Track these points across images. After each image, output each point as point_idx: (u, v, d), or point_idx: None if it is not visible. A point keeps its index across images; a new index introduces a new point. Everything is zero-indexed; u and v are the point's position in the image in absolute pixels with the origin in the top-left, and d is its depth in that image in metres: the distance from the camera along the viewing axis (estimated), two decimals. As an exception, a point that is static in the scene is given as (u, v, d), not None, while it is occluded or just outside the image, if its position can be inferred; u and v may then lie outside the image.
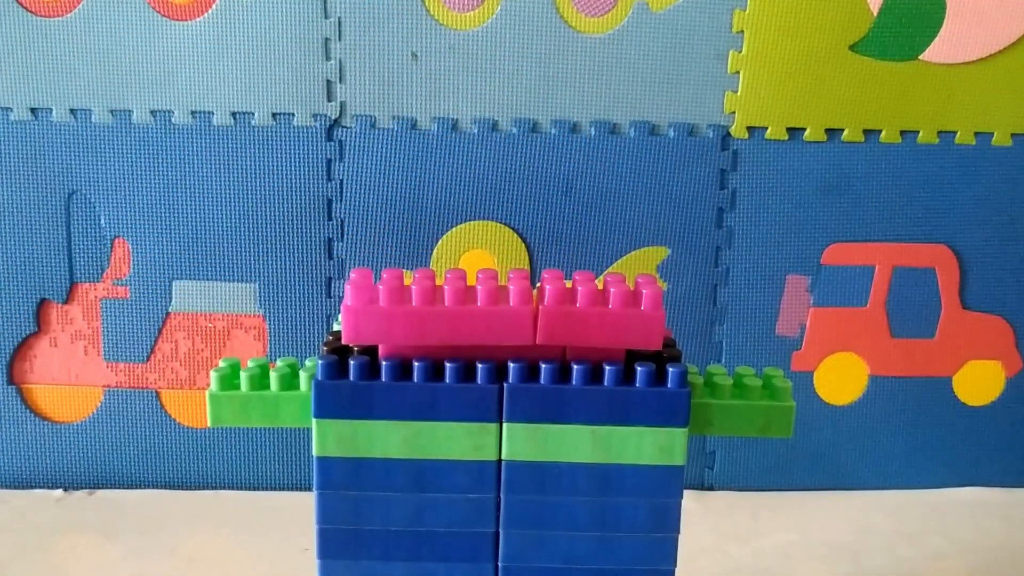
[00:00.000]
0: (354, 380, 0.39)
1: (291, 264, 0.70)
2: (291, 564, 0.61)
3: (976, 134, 0.70)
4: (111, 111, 0.67)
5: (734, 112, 0.68)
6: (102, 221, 0.69)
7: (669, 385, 0.39)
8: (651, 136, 0.68)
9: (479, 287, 0.39)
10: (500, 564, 0.41)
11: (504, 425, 0.40)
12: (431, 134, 0.68)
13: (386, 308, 0.39)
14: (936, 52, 0.68)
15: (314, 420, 0.40)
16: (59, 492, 0.72)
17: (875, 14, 0.67)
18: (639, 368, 0.39)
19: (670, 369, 0.39)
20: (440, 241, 0.70)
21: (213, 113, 0.67)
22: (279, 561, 0.62)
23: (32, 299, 0.70)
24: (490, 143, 0.68)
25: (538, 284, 0.41)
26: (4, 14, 0.64)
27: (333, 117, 0.67)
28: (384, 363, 0.39)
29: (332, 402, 0.40)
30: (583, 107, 0.68)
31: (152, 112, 0.67)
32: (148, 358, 0.71)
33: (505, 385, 0.39)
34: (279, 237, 0.69)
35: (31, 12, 0.65)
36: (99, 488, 0.73)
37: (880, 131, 0.69)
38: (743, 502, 0.73)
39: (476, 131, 0.68)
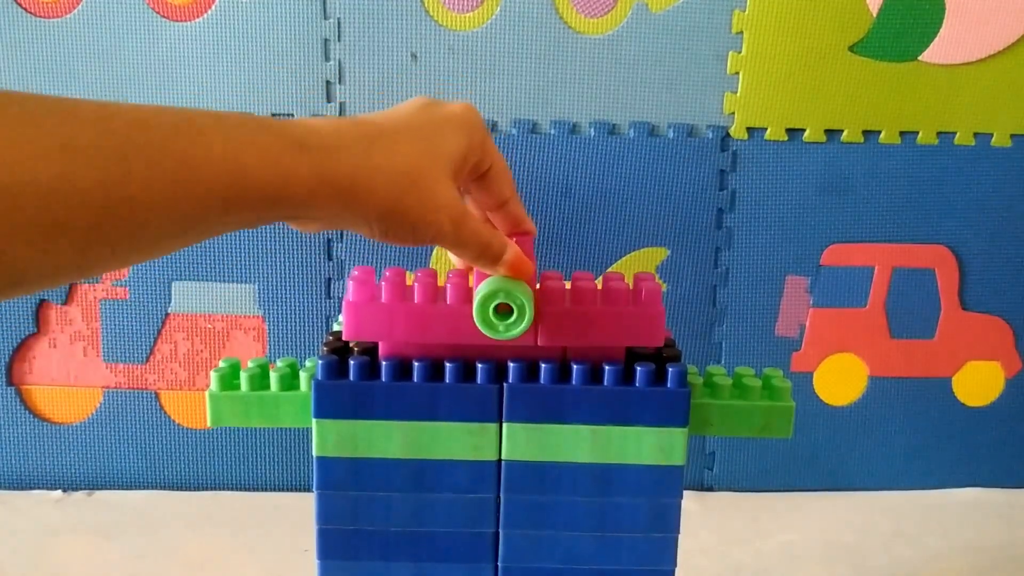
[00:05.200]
0: (354, 380, 0.39)
1: (290, 265, 0.69)
2: (291, 565, 0.61)
3: (975, 135, 0.70)
4: (111, 112, 0.66)
5: (733, 113, 0.68)
6: (101, 222, 0.68)
7: (669, 385, 0.39)
8: (650, 137, 0.68)
9: (479, 287, 0.39)
10: (500, 564, 0.41)
11: (504, 425, 0.40)
12: (431, 135, 0.68)
13: (388, 304, 0.39)
14: (935, 53, 0.68)
15: (314, 420, 0.40)
16: (58, 493, 0.72)
17: (874, 15, 0.67)
18: (639, 368, 0.39)
19: (670, 369, 0.39)
20: (440, 242, 0.70)
21: (213, 114, 0.67)
22: (279, 562, 0.62)
23: (31, 300, 0.69)
24: (490, 144, 0.68)
25: (538, 285, 0.41)
26: (3, 15, 0.64)
27: (333, 118, 0.67)
28: (384, 363, 0.39)
29: (332, 402, 0.40)
30: (582, 108, 0.68)
31: (152, 113, 0.67)
32: (147, 359, 0.71)
33: (505, 385, 0.39)
34: (278, 238, 0.69)
35: (31, 13, 0.65)
36: (98, 489, 0.72)
37: (879, 132, 0.69)
38: (743, 503, 0.73)
39: (476, 132, 0.68)
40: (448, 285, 0.39)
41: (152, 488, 0.73)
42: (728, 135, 0.69)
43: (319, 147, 0.32)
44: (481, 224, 0.37)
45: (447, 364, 0.39)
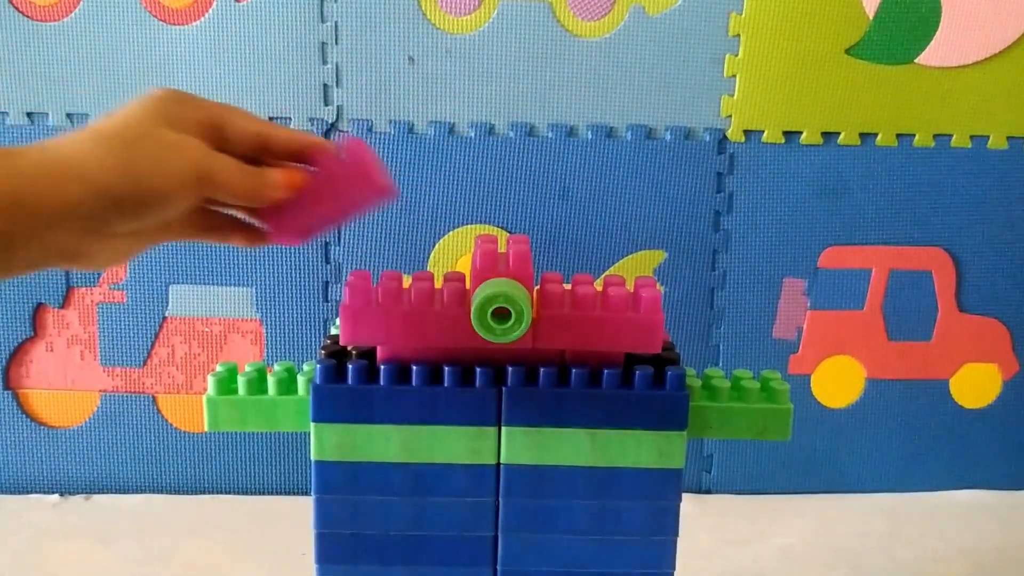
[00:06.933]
0: (352, 384, 0.39)
1: (287, 268, 0.69)
2: (289, 569, 0.61)
3: (972, 137, 0.70)
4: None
5: (730, 116, 0.68)
6: (98, 225, 0.68)
7: (668, 388, 0.39)
8: (648, 140, 0.68)
9: (477, 291, 0.39)
10: (499, 568, 0.41)
11: (503, 429, 0.40)
12: (428, 138, 0.68)
13: (385, 308, 0.38)
14: (932, 56, 0.68)
15: (312, 424, 0.40)
16: (55, 497, 0.71)
17: (871, 18, 0.67)
18: (638, 372, 0.39)
19: (668, 372, 0.39)
20: (437, 245, 0.70)
21: (210, 117, 0.67)
22: (276, 566, 0.62)
23: (28, 304, 0.69)
24: (487, 147, 0.68)
25: (536, 287, 0.41)
26: (0, 19, 0.64)
27: (330, 121, 0.67)
28: (382, 367, 0.39)
29: (330, 406, 0.39)
30: (580, 111, 0.68)
31: (149, 116, 0.66)
32: (145, 363, 0.71)
33: (504, 389, 0.39)
34: (276, 241, 0.69)
35: (27, 17, 0.65)
36: (95, 493, 0.72)
37: (876, 134, 0.69)
38: (741, 505, 0.73)
39: (473, 135, 0.68)
40: (444, 288, 0.39)
41: (149, 492, 0.73)
42: (725, 138, 0.69)
43: (26, 149, 0.32)
44: (230, 157, 0.36)
45: (445, 368, 0.39)
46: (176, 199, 0.34)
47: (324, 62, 0.66)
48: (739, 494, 0.74)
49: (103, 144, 0.33)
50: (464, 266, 0.70)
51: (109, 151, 0.32)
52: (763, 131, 0.69)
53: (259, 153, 0.38)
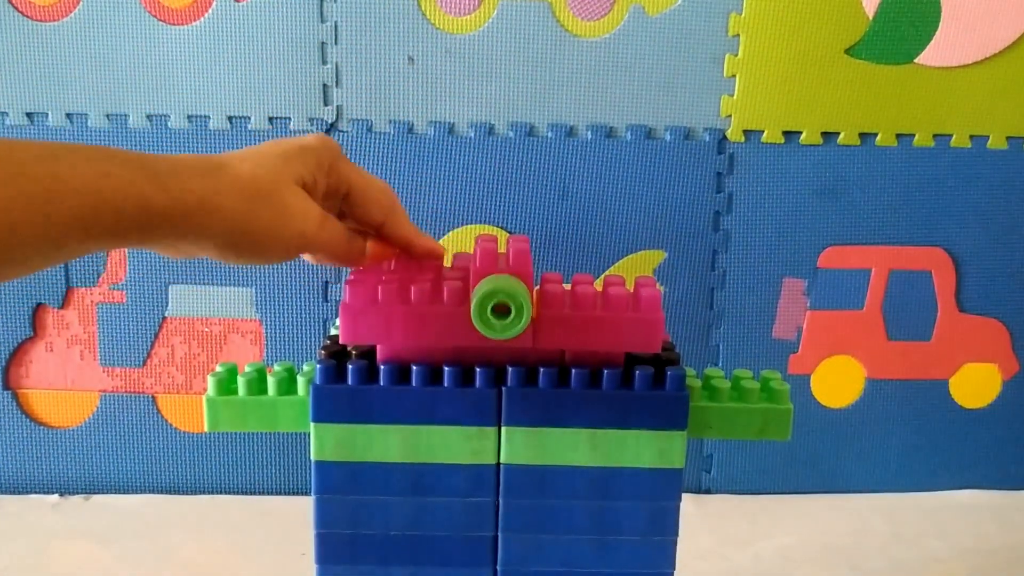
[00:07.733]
0: (352, 384, 0.39)
1: (287, 268, 0.69)
2: (288, 569, 0.61)
3: (972, 137, 0.70)
4: (107, 115, 0.66)
5: (730, 115, 0.68)
6: (98, 225, 0.68)
7: (668, 389, 0.39)
8: (647, 140, 0.68)
9: (477, 291, 0.39)
10: (499, 568, 0.41)
11: (503, 429, 0.40)
12: (427, 138, 0.68)
13: (385, 307, 0.38)
14: (931, 56, 0.68)
15: (312, 424, 0.40)
16: (55, 497, 0.71)
17: (871, 18, 0.67)
18: (638, 372, 0.39)
19: (668, 373, 0.39)
20: (437, 245, 0.70)
21: (209, 117, 0.67)
22: (276, 566, 0.62)
23: (28, 304, 0.69)
24: (486, 147, 0.68)
25: (536, 287, 0.41)
26: (0, 19, 0.64)
27: (330, 121, 0.67)
28: (382, 367, 0.39)
29: (330, 406, 0.39)
30: (579, 111, 0.68)
31: (148, 116, 0.67)
32: (144, 363, 0.71)
33: (504, 389, 0.39)
34: (276, 241, 0.69)
35: (27, 17, 0.65)
36: (95, 493, 0.72)
37: (876, 134, 0.69)
38: (741, 505, 0.73)
39: (472, 135, 0.68)
40: (445, 286, 0.39)
41: (149, 492, 0.73)
42: (725, 138, 0.69)
43: (169, 172, 0.34)
44: (341, 226, 0.40)
45: (445, 368, 0.39)
46: (272, 259, 0.38)
47: (324, 62, 0.66)
48: (739, 494, 0.74)
49: (229, 191, 0.35)
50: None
51: (231, 203, 0.35)
52: (763, 131, 0.69)
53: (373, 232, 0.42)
